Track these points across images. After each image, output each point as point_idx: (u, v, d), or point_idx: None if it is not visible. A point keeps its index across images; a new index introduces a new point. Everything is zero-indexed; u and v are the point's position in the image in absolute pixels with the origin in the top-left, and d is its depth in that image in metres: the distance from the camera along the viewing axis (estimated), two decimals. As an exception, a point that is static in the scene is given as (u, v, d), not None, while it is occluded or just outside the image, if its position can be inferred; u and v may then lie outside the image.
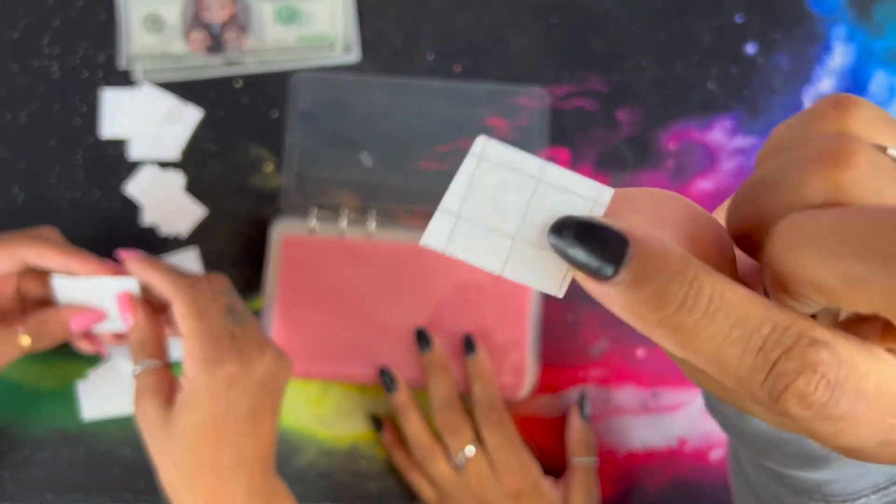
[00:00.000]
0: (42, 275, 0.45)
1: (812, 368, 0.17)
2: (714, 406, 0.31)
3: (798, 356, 0.17)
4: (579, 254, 0.18)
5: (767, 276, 0.19)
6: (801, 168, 0.19)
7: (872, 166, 0.18)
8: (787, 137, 0.21)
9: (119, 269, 0.45)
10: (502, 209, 0.19)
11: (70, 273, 0.44)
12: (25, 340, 0.43)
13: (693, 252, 0.19)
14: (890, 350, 0.18)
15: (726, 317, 0.17)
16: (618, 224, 0.18)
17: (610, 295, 0.18)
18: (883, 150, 0.19)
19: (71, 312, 0.44)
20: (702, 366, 0.18)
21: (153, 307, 0.45)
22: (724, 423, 0.31)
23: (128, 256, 0.44)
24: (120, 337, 0.48)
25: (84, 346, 0.48)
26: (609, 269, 0.18)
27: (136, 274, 0.43)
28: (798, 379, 0.17)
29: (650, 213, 0.20)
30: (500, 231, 0.19)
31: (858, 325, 0.19)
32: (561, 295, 0.20)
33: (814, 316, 0.19)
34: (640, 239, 0.18)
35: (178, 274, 0.43)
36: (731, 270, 0.20)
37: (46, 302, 0.45)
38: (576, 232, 0.19)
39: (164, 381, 0.42)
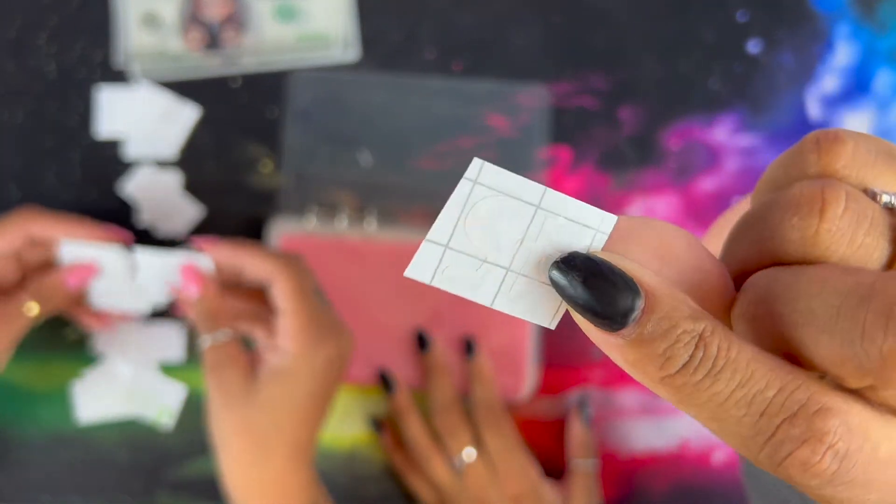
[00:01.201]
0: (40, 247, 0.45)
1: (819, 438, 0.16)
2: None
3: (804, 423, 0.16)
4: (585, 299, 0.17)
5: (739, 325, 0.19)
6: (779, 215, 0.18)
7: (849, 218, 0.17)
8: (775, 176, 0.20)
9: (117, 234, 0.45)
10: (496, 238, 0.18)
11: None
12: (33, 309, 0.43)
13: (695, 294, 0.18)
14: None
15: (731, 377, 0.16)
16: (628, 267, 0.17)
17: (612, 345, 0.17)
18: (873, 195, 0.18)
19: (65, 271, 0.44)
20: (700, 422, 0.17)
21: (219, 280, 0.44)
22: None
23: (209, 244, 0.43)
24: (101, 318, 0.48)
25: (85, 320, 0.48)
26: (616, 323, 0.17)
27: (228, 259, 0.43)
28: (802, 447, 0.16)
29: (657, 248, 0.18)
30: (493, 261, 0.18)
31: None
32: (553, 327, 0.18)
33: None
34: (651, 290, 0.17)
35: (273, 252, 0.43)
36: (728, 315, 0.19)
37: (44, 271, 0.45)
38: (584, 275, 0.17)
39: (241, 352, 0.42)
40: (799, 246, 0.17)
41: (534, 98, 0.53)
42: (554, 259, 0.18)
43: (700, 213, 0.53)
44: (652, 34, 0.54)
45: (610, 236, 0.18)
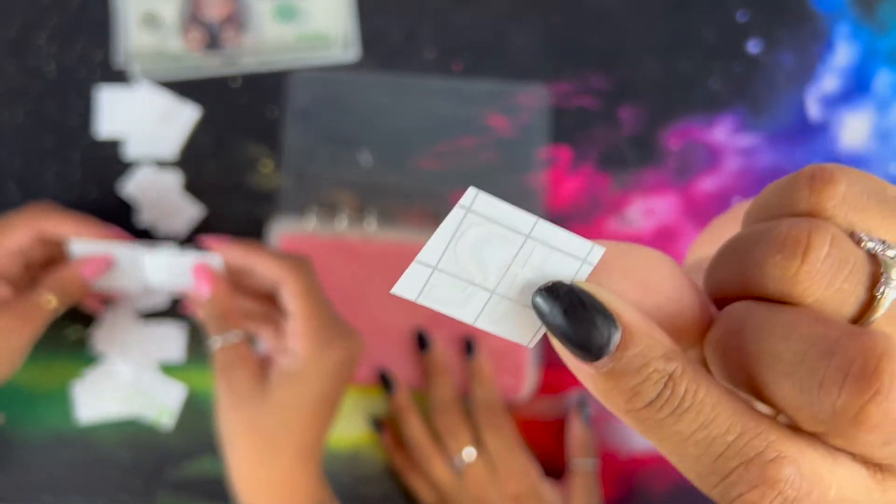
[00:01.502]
0: (47, 245, 0.46)
1: (771, 485, 0.17)
2: None
3: (757, 469, 0.17)
4: (564, 329, 0.18)
5: (710, 352, 0.19)
6: (763, 249, 0.18)
7: (830, 262, 0.17)
8: (766, 203, 0.20)
9: (122, 234, 0.46)
10: (484, 262, 0.19)
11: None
12: (52, 302, 0.43)
13: (673, 322, 0.19)
14: (852, 454, 0.18)
15: (695, 418, 0.17)
16: (609, 301, 0.18)
17: (584, 373, 0.18)
18: (858, 240, 0.18)
19: (80, 263, 0.45)
20: (659, 450, 0.18)
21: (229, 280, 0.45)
22: None
23: (219, 244, 0.44)
24: (102, 300, 0.49)
25: (90, 303, 0.49)
26: (591, 354, 0.18)
27: (237, 259, 0.43)
28: (752, 491, 0.17)
29: (639, 277, 0.19)
30: (479, 284, 0.19)
31: None
32: (531, 346, 0.19)
33: None
34: (628, 326, 0.18)
35: (283, 255, 0.43)
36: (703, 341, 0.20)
37: (50, 266, 0.46)
38: (565, 306, 0.18)
39: (251, 353, 0.43)
40: (778, 284, 0.18)
41: (534, 98, 0.53)
42: (538, 286, 0.19)
43: (700, 213, 0.53)
44: (652, 34, 0.54)
45: (597, 267, 0.19)
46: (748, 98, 0.54)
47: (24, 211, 0.45)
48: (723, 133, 0.54)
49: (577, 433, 0.51)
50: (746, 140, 0.54)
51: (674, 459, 0.18)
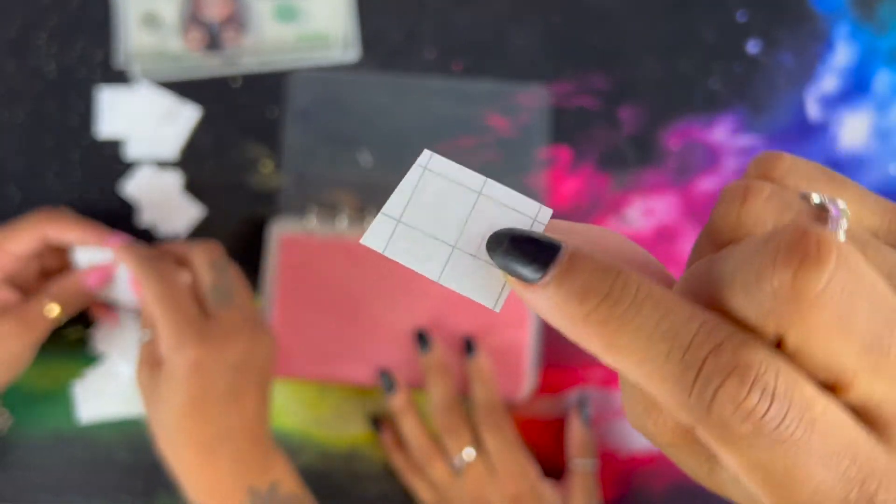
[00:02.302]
0: (61, 251, 0.47)
1: (745, 368, 0.15)
2: None
3: (729, 352, 0.16)
4: (511, 253, 0.19)
5: None
6: (713, 212, 0.19)
7: (770, 199, 0.18)
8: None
9: (125, 240, 0.47)
10: (443, 218, 0.20)
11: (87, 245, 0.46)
12: (54, 310, 0.44)
13: None
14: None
15: (654, 308, 0.17)
16: (553, 235, 0.19)
17: (539, 298, 0.18)
18: (805, 197, 0.19)
19: (84, 273, 0.46)
20: (633, 372, 0.17)
21: None
22: None
23: (114, 243, 0.45)
24: (109, 311, 0.50)
25: (100, 314, 0.50)
26: (540, 265, 0.18)
27: (117, 257, 0.45)
28: (728, 379, 0.15)
29: (598, 241, 0.20)
30: (440, 239, 0.20)
31: None
32: (498, 309, 0.20)
33: None
34: (572, 246, 0.18)
35: (147, 260, 0.44)
36: None
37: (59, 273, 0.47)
38: (511, 241, 0.19)
39: (157, 352, 0.44)
40: (726, 232, 0.19)
41: (534, 98, 0.53)
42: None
43: (700, 213, 0.53)
44: (652, 34, 0.54)
45: (547, 228, 0.20)
46: (748, 98, 0.54)
47: (32, 215, 0.45)
48: (723, 133, 0.54)
49: (576, 433, 0.51)
50: (746, 140, 0.54)
51: (645, 373, 0.16)
